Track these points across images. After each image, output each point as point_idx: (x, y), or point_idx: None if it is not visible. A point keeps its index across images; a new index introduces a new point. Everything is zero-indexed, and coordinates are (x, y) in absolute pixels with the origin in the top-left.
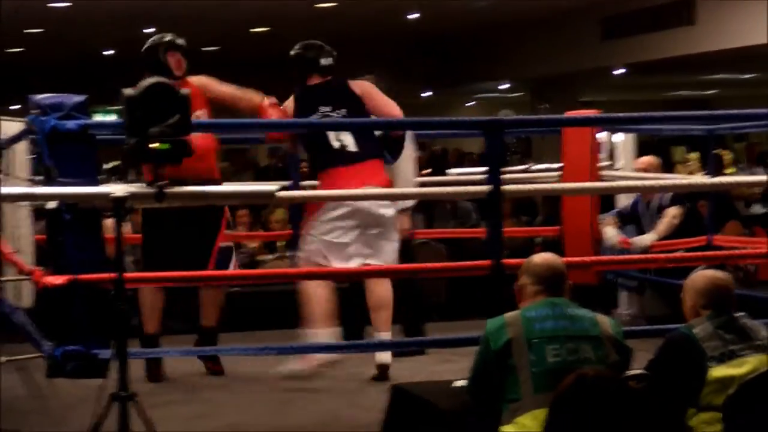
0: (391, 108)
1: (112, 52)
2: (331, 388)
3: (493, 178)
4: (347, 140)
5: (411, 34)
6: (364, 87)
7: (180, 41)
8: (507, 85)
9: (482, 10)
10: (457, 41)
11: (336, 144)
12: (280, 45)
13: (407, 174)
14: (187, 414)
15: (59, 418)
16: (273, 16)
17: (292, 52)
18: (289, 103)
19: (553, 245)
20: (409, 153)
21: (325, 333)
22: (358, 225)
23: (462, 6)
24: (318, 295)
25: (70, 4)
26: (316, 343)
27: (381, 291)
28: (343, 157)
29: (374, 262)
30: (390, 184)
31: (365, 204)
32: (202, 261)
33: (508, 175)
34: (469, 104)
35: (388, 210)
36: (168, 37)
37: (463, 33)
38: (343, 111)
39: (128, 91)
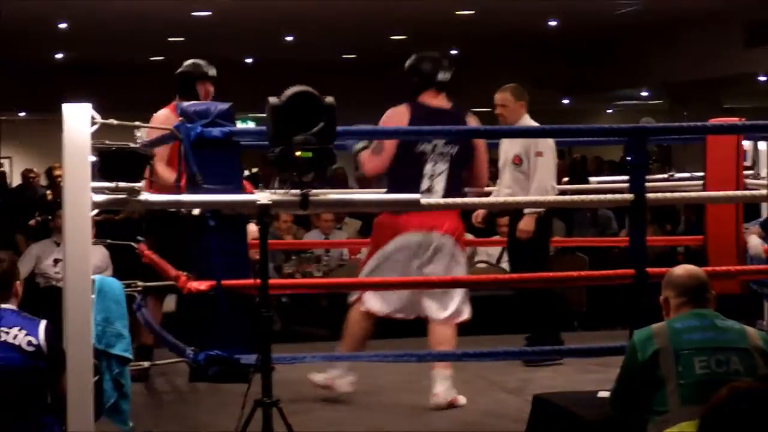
0: (485, 173)
1: (251, 60)
2: (472, 397)
3: (637, 186)
4: (438, 186)
5: (550, 40)
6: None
7: (211, 72)
8: (646, 92)
9: (621, 17)
10: (596, 48)
11: (425, 185)
12: (418, 52)
13: (544, 182)
14: (328, 419)
15: (204, 423)
16: (412, 24)
17: (408, 63)
18: (396, 117)
19: (696, 254)
20: (548, 160)
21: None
22: (406, 260)
23: (601, 12)
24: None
25: (211, 12)
26: (461, 351)
27: (444, 330)
28: None
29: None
30: (459, 229)
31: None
32: None
33: (650, 184)
34: (608, 112)
35: (440, 238)
36: (200, 68)
37: (602, 40)
38: (456, 149)
39: (273, 100)
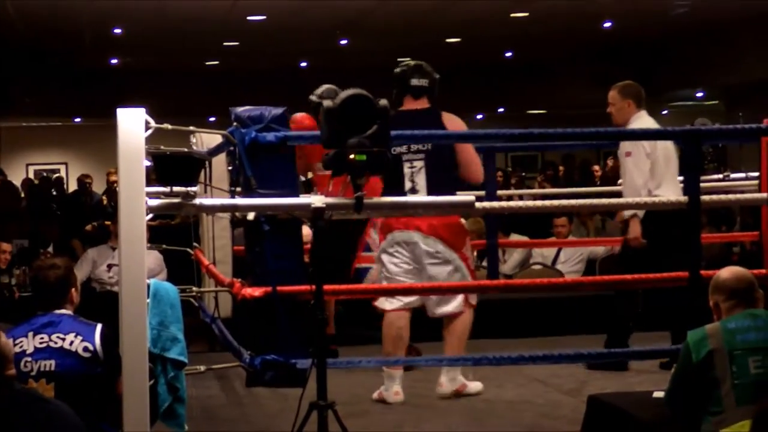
0: (473, 167)
1: (306, 64)
2: (528, 399)
3: (692, 187)
4: (420, 183)
5: (605, 42)
6: (456, 126)
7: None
8: (701, 94)
9: (675, 18)
10: (651, 49)
11: (408, 185)
12: (473, 55)
13: (632, 183)
14: (383, 422)
15: (261, 427)
16: (466, 26)
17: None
18: None
19: (751, 256)
20: (637, 160)
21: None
22: (395, 256)
23: (655, 14)
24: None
25: (266, 17)
26: (516, 354)
27: (457, 324)
28: None
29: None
30: (446, 228)
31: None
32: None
33: (705, 184)
34: (663, 113)
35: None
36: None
37: (657, 41)
38: (429, 145)
39: (327, 103)
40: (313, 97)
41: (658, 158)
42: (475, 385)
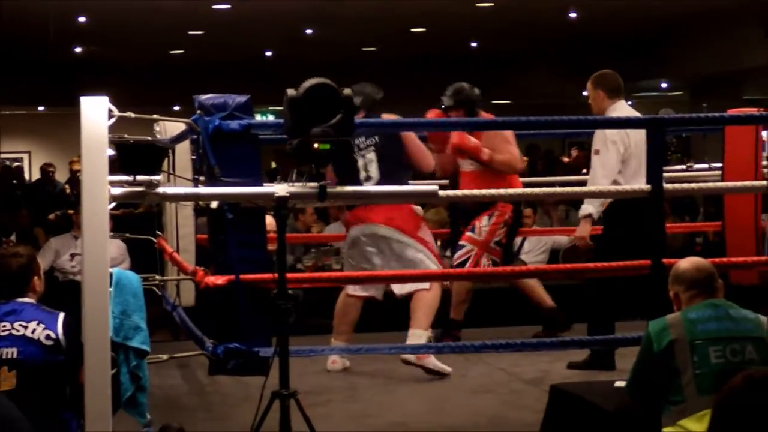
0: (422, 155)
1: (271, 53)
2: (491, 388)
3: (655, 177)
4: (374, 173)
5: (570, 33)
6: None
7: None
8: (665, 85)
9: (641, 10)
10: (616, 40)
11: (362, 174)
12: (438, 45)
13: (593, 182)
14: (347, 412)
15: (223, 416)
16: (432, 17)
17: None
18: None
19: (714, 246)
20: (603, 158)
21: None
22: (359, 250)
23: (620, 5)
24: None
25: (231, 6)
26: (479, 343)
27: (423, 297)
28: None
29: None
30: (399, 216)
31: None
32: None
33: (668, 174)
34: (628, 104)
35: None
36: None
37: (622, 32)
38: (375, 139)
39: (291, 92)
40: (444, 98)
41: (633, 155)
42: (441, 365)
